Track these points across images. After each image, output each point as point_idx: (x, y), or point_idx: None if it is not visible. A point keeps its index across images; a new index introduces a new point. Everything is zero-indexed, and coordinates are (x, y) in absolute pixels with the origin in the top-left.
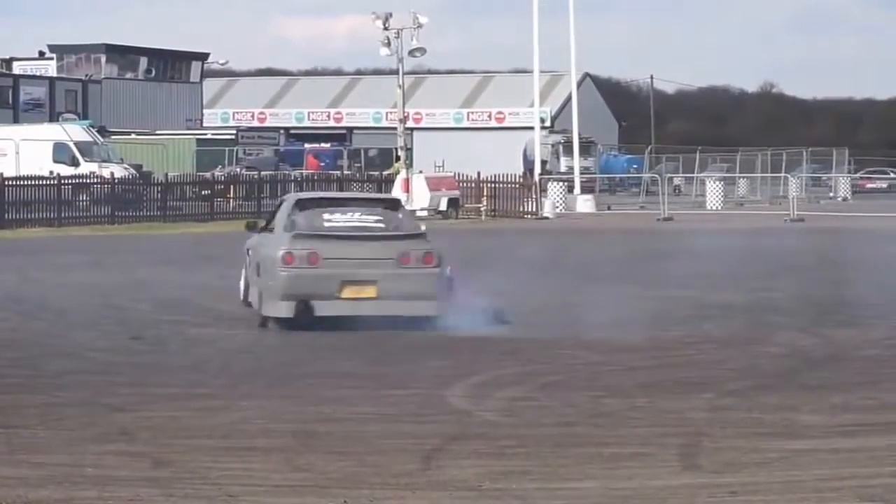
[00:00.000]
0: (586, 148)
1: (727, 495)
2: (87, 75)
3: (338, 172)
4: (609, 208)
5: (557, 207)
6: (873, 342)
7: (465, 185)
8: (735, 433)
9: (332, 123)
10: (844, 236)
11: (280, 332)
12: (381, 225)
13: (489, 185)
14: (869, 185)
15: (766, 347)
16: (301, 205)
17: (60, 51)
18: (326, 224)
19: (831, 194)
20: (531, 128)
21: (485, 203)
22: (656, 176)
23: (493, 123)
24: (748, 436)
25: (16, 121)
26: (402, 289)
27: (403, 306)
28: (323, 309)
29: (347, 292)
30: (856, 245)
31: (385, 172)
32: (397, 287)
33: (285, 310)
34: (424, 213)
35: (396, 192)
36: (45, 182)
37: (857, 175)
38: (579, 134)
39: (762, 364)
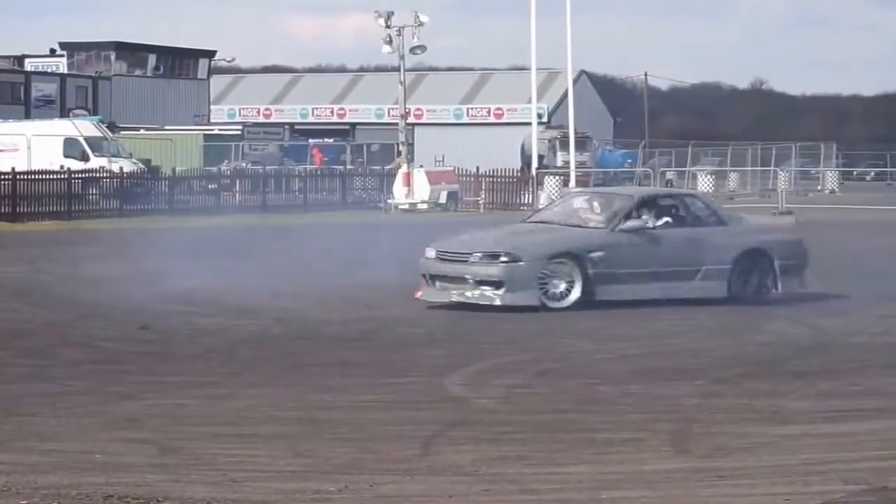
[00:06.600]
0: (582, 143)
1: (716, 479)
2: (97, 72)
3: (341, 167)
4: None
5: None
6: (859, 330)
7: (464, 179)
8: (724, 419)
9: (335, 119)
10: (832, 228)
11: (282, 324)
12: None
13: (487, 178)
14: None
15: (755, 336)
16: None
17: (71, 48)
18: None
19: (819, 187)
20: (529, 123)
21: (483, 196)
22: (649, 170)
23: (492, 119)
24: (737, 421)
25: (27, 116)
26: None
27: None
28: None
29: None
30: (842, 236)
31: (387, 167)
32: None
33: None
34: (425, 207)
35: (398, 186)
36: (55, 176)
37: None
38: (575, 129)
39: (751, 352)
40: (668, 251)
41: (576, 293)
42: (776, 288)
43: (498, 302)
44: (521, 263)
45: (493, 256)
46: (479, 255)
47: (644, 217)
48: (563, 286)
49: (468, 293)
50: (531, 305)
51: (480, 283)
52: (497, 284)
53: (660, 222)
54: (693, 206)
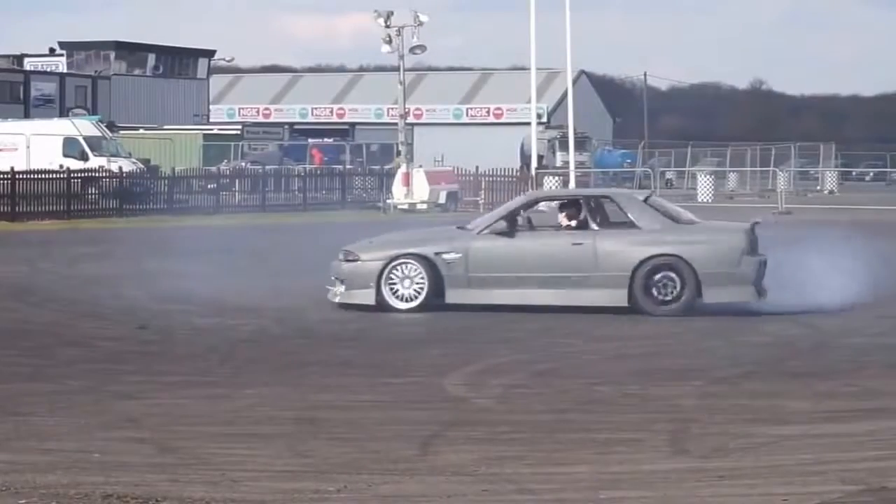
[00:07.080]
0: (581, 143)
1: (714, 479)
2: (96, 72)
3: (340, 167)
4: None
5: None
6: (858, 331)
7: (463, 179)
8: (723, 419)
9: (335, 119)
10: (831, 228)
11: (281, 323)
12: None
13: (487, 178)
14: None
15: (754, 336)
16: None
17: (71, 48)
18: None
19: (818, 187)
20: (528, 123)
21: (483, 196)
22: (649, 170)
23: (492, 119)
24: (736, 422)
25: (27, 116)
26: None
27: None
28: None
29: None
30: (841, 236)
31: (386, 167)
32: None
33: None
34: (424, 206)
35: (397, 185)
36: (55, 176)
37: None
38: (574, 129)
39: (750, 352)
40: (546, 256)
41: (422, 296)
42: (699, 297)
43: (338, 299)
44: (358, 263)
45: (345, 255)
46: (341, 254)
47: (509, 221)
48: (412, 287)
49: (332, 290)
50: (367, 304)
51: (340, 280)
52: (342, 282)
53: (564, 225)
54: (604, 208)
